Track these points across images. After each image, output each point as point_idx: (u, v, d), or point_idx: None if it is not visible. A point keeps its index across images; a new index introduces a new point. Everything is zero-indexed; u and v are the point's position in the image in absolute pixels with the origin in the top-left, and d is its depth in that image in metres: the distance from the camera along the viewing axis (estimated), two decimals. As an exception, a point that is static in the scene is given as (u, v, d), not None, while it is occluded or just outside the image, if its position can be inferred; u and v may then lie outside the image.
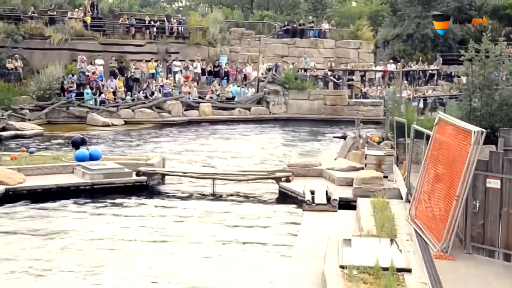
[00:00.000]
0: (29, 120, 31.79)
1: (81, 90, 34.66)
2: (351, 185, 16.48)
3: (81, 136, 21.97)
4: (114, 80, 36.20)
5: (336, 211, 15.08)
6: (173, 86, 37.19)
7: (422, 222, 11.45)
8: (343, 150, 21.43)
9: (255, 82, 38.93)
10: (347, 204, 15.48)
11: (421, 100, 37.41)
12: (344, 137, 22.29)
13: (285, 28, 46.60)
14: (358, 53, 46.39)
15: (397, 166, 17.11)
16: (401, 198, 14.56)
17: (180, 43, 41.61)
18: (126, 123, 33.37)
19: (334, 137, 26.19)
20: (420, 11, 49.73)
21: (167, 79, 37.88)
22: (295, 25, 46.57)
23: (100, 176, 17.57)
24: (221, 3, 63.92)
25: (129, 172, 18.11)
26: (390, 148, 19.68)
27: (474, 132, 10.19)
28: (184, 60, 39.76)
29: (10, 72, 34.62)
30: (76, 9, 40.58)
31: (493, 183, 10.12)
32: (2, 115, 30.31)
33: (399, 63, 36.93)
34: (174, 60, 39.53)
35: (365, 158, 18.23)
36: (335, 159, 20.53)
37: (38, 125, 31.07)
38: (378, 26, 55.53)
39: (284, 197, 17.20)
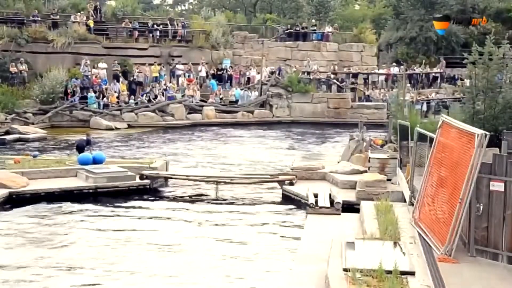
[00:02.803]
0: (33, 123, 31.86)
1: (85, 94, 34.72)
2: (355, 188, 16.47)
3: (87, 137, 22.00)
4: (117, 83, 36.25)
5: (340, 214, 15.08)
6: (177, 89, 37.22)
7: (426, 225, 11.43)
8: (346, 153, 21.44)
9: (258, 85, 38.95)
10: (350, 207, 15.47)
11: (425, 103, 37.37)
12: None
13: (288, 31, 46.60)
14: (361, 56, 46.36)
15: (401, 169, 17.09)
16: (405, 201, 14.54)
17: (183, 47, 41.67)
18: (129, 126, 33.41)
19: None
20: (423, 14, 49.70)
21: (170, 82, 37.92)
22: (298, 28, 46.55)
23: (104, 180, 17.59)
24: (224, 6, 63.98)
25: (132, 176, 18.13)
26: (393, 151, 19.68)
27: (478, 135, 10.18)
28: (187, 63, 39.80)
29: (13, 76, 34.72)
30: (79, 13, 40.66)
31: (497, 186, 10.10)
32: (6, 119, 30.40)
33: (402, 66, 37.00)
34: (177, 64, 39.56)
35: (369, 161, 18.22)
36: (338, 162, 20.54)
37: (42, 128, 31.17)
38: (381, 29, 55.50)
39: (288, 200, 17.19)
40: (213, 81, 39.16)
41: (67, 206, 16.11)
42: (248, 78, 40.58)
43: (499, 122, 17.22)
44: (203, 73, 39.82)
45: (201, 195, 17.93)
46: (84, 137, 22.04)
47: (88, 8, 41.17)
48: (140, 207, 16.44)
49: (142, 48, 40.04)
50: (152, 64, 38.46)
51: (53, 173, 18.34)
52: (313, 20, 49.73)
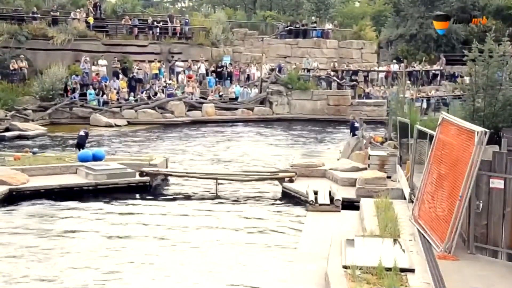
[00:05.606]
0: (33, 120, 31.87)
1: (84, 91, 34.72)
2: (354, 186, 16.48)
3: (85, 131, 22.31)
4: (117, 80, 36.24)
5: (339, 211, 15.09)
6: (177, 86, 37.20)
7: (425, 223, 11.44)
8: (346, 150, 21.43)
9: (258, 82, 38.95)
10: (350, 205, 15.48)
11: (424, 100, 37.37)
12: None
13: (288, 28, 46.57)
14: (361, 53, 46.35)
15: (400, 166, 17.09)
16: (404, 199, 14.53)
17: (183, 44, 41.62)
18: (129, 123, 33.41)
19: None
20: (423, 11, 49.62)
21: (170, 79, 37.90)
22: (298, 26, 46.55)
23: (103, 177, 17.59)
24: (224, 3, 63.81)
25: (132, 173, 18.13)
26: (393, 148, 19.68)
27: (478, 132, 10.18)
28: (187, 61, 39.77)
29: (13, 72, 34.67)
30: (79, 10, 40.62)
31: (497, 183, 10.10)
32: (6, 116, 30.38)
33: (402, 64, 36.96)
34: (176, 61, 39.54)
35: (368, 158, 18.23)
36: (338, 160, 20.54)
37: (41, 125, 31.14)
38: (381, 26, 55.40)
39: (287, 198, 17.20)
40: (210, 77, 39.13)
41: (67, 203, 16.11)
42: (248, 75, 40.54)
43: (499, 119, 17.23)
44: (202, 70, 39.79)
45: (201, 192, 17.93)
46: (82, 133, 22.12)
47: (88, 5, 41.11)
48: (139, 204, 16.45)
49: (142, 45, 40.00)
50: (152, 61, 38.45)
51: (53, 170, 18.35)
52: (313, 17, 49.69)
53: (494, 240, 10.16)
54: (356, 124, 22.94)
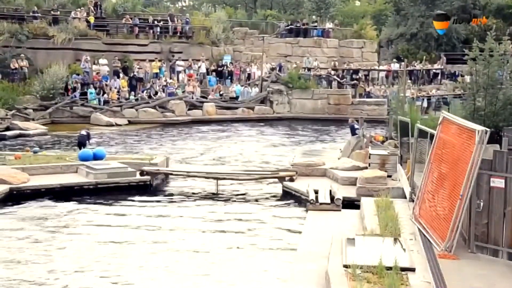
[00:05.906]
0: (33, 119, 31.88)
1: (85, 90, 34.72)
2: (355, 185, 16.47)
3: (87, 130, 22.46)
4: (117, 79, 36.24)
5: (340, 210, 15.07)
6: (177, 86, 37.20)
7: (426, 222, 11.43)
8: (346, 149, 21.44)
9: (258, 81, 38.94)
10: (350, 204, 15.47)
11: (425, 100, 37.37)
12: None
13: (288, 27, 46.58)
14: (362, 52, 46.35)
15: (401, 165, 17.09)
16: (405, 198, 14.54)
17: (184, 43, 41.63)
18: (129, 122, 33.42)
19: None
20: (423, 10, 49.63)
21: (170, 78, 37.91)
22: (298, 25, 46.56)
23: (104, 176, 17.59)
24: (224, 2, 63.83)
25: (132, 172, 18.13)
26: (394, 147, 19.67)
27: (478, 131, 10.17)
28: (187, 60, 39.76)
29: (14, 71, 34.67)
30: (80, 9, 40.63)
31: (497, 183, 10.10)
32: (6, 115, 30.40)
33: (402, 63, 36.95)
34: (177, 60, 39.54)
35: (369, 157, 18.22)
36: (338, 159, 20.54)
37: (42, 124, 31.16)
38: (382, 25, 55.44)
39: (288, 197, 17.20)
40: (211, 77, 39.13)
41: (67, 202, 16.11)
42: (249, 74, 40.56)
43: (500, 118, 17.23)
44: (203, 70, 39.79)
45: (202, 191, 17.92)
46: (84, 132, 22.25)
47: (89, 4, 41.13)
48: (140, 203, 16.44)
49: (143, 44, 40.02)
50: (152, 60, 38.45)
51: (54, 169, 18.35)
52: (314, 17, 49.70)
53: (494, 239, 10.16)
54: (356, 126, 22.94)
